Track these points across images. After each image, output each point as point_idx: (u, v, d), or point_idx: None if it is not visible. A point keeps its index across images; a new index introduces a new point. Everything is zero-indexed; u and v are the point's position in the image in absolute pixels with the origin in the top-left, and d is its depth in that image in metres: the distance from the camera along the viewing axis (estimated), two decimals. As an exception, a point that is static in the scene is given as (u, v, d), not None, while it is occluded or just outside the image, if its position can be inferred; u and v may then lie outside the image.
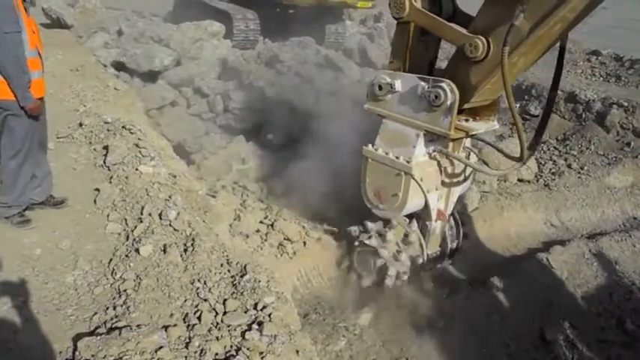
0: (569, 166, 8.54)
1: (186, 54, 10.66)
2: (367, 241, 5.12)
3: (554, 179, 8.11)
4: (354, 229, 5.36)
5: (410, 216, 5.04)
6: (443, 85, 3.99)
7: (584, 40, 13.72)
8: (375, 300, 5.38)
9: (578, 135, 9.38)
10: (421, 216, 5.07)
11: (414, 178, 4.48)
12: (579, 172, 8.31)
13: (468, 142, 4.85)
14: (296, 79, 9.85)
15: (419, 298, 5.47)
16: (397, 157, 4.53)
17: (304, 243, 5.68)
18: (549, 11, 3.46)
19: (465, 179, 5.07)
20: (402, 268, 5.05)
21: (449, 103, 4.00)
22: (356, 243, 5.33)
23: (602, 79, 11.94)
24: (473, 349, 5.21)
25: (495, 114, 4.64)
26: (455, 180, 4.96)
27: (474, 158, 4.99)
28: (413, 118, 4.36)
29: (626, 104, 9.37)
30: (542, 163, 8.76)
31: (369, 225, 5.18)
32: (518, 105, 10.68)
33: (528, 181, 8.20)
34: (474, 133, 4.49)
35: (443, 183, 4.86)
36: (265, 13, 13.32)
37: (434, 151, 4.56)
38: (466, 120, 4.48)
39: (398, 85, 4.39)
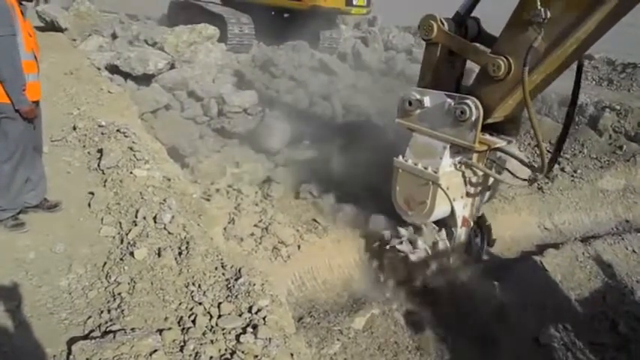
0: (562, 169, 8.59)
1: (180, 57, 10.67)
2: (399, 247, 5.39)
3: (547, 183, 8.15)
4: (387, 234, 5.63)
5: (437, 223, 5.37)
6: (468, 102, 4.37)
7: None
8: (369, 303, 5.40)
9: (571, 138, 9.43)
10: (447, 223, 5.39)
11: (440, 187, 4.86)
12: (572, 176, 8.36)
13: (491, 154, 5.17)
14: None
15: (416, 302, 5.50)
16: (425, 168, 4.90)
17: (298, 246, 5.68)
18: (565, 33, 3.79)
19: (488, 189, 5.42)
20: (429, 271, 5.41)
21: (474, 118, 4.38)
22: (387, 247, 5.58)
23: (594, 82, 12.04)
24: (467, 353, 5.22)
25: (517, 129, 5.04)
26: (478, 189, 5.30)
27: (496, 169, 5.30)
28: (440, 131, 4.76)
29: (618, 108, 9.45)
30: (536, 166, 8.78)
31: (402, 231, 5.45)
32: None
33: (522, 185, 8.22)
34: (496, 146, 4.82)
35: (467, 192, 5.19)
36: (260, 17, 13.34)
37: (459, 162, 4.89)
38: (490, 134, 4.85)
39: (427, 101, 4.82)
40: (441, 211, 5.11)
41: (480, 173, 5.13)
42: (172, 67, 10.39)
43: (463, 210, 5.32)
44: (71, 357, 2.79)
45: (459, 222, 5.34)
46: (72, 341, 2.94)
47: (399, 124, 5.20)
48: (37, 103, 4.04)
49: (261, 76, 11.12)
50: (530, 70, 3.91)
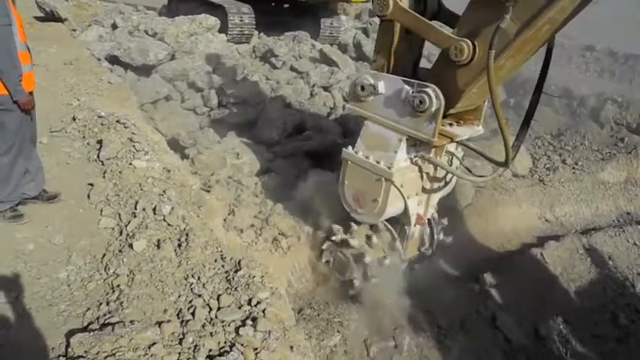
0: (563, 161, 8.57)
1: (180, 48, 10.61)
2: (351, 242, 5.04)
3: (548, 174, 8.14)
4: (337, 228, 5.26)
5: (388, 220, 4.98)
6: (428, 90, 3.87)
7: (578, 36, 13.74)
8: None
9: (572, 130, 9.41)
10: (400, 220, 5.00)
11: (394, 185, 4.39)
12: (573, 168, 8.34)
13: (451, 145, 4.72)
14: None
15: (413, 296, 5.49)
16: (378, 162, 4.42)
17: (299, 238, 5.67)
18: (537, 13, 3.36)
19: (446, 184, 4.99)
20: (384, 273, 5.07)
21: (433, 109, 3.89)
22: (335, 240, 5.26)
23: (596, 74, 11.99)
24: (467, 346, 5.23)
25: (480, 118, 4.56)
26: (436, 185, 4.89)
27: (456, 162, 4.91)
28: (395, 122, 4.24)
29: (620, 100, 9.41)
30: (537, 158, 8.78)
31: (354, 227, 5.10)
32: (512, 100, 10.71)
33: (523, 177, 8.22)
34: (458, 139, 4.40)
35: (424, 188, 4.78)
36: (260, 7, 13.26)
37: (415, 156, 4.46)
38: (450, 124, 4.41)
39: (381, 87, 4.27)
40: (393, 209, 4.67)
41: (439, 167, 4.67)
42: (173, 57, 10.33)
43: (417, 207, 4.87)
44: (70, 349, 2.79)
45: (413, 220, 4.89)
46: (70, 333, 2.94)
47: (350, 109, 4.67)
48: (31, 94, 4.01)
49: (262, 67, 11.08)
50: (497, 54, 3.44)
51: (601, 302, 5.84)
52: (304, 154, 7.65)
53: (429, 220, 5.22)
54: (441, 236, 5.47)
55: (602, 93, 9.82)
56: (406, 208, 4.70)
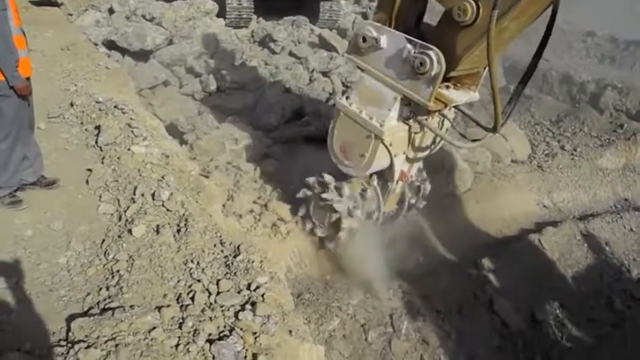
0: (562, 147, 8.58)
1: (178, 33, 10.54)
2: (324, 195, 5.07)
3: (547, 161, 8.15)
4: (312, 180, 5.28)
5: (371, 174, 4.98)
6: (430, 53, 3.75)
7: (579, 21, 13.66)
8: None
9: (571, 116, 9.40)
10: (383, 175, 5.00)
11: (383, 143, 4.37)
12: (572, 154, 8.36)
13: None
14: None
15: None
16: (370, 118, 4.37)
17: (297, 222, 5.68)
18: None
19: (434, 144, 4.95)
20: (355, 223, 5.07)
21: (433, 73, 3.79)
22: (312, 194, 5.29)
23: (596, 60, 11.94)
24: (464, 330, 5.28)
25: (478, 84, 4.44)
26: (424, 145, 4.86)
27: (447, 124, 4.83)
28: (393, 79, 4.14)
29: (620, 86, 9.39)
30: (536, 144, 8.79)
31: (327, 177, 5.10)
32: (512, 87, 10.67)
33: (522, 163, 8.23)
34: (453, 104, 4.32)
35: (411, 147, 4.74)
36: (259, -9, 13.13)
37: (407, 116, 4.40)
38: (447, 87, 4.27)
39: (383, 41, 4.14)
40: (379, 165, 4.67)
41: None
42: (170, 42, 10.26)
43: (403, 165, 4.88)
44: (70, 334, 2.81)
45: (397, 176, 4.90)
46: (71, 318, 2.96)
47: (348, 59, 4.55)
48: (28, 79, 3.99)
49: (260, 52, 11.02)
50: (501, 15, 3.30)
51: (597, 287, 5.89)
52: (303, 140, 7.64)
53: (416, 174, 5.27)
54: (427, 190, 5.48)
55: (603, 79, 9.79)
56: (392, 165, 4.72)
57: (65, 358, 2.63)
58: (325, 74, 10.02)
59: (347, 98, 4.62)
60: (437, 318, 5.31)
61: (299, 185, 5.46)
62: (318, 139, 7.56)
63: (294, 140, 7.64)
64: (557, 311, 5.53)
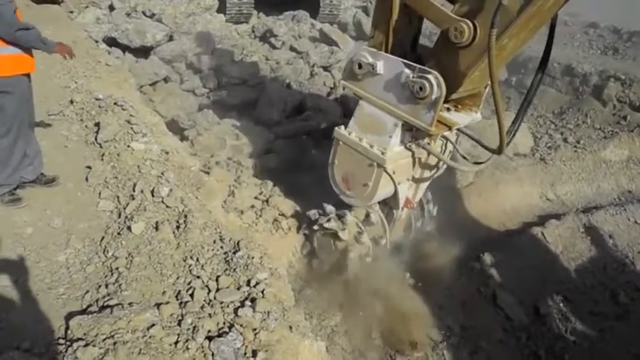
0: (565, 139, 8.52)
1: (179, 29, 10.52)
2: (326, 224, 4.93)
3: (550, 153, 8.11)
4: (313, 213, 5.16)
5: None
6: (430, 77, 3.62)
7: (582, 13, 13.56)
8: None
9: (574, 109, 9.34)
10: (387, 203, 4.90)
11: (386, 171, 4.24)
12: (575, 146, 8.30)
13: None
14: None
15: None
16: (371, 146, 4.24)
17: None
18: None
19: (438, 168, 4.87)
20: (364, 249, 4.94)
21: (434, 97, 3.65)
22: (315, 227, 5.14)
23: (599, 51, 11.84)
24: (467, 324, 5.26)
25: (479, 105, 4.33)
26: (428, 170, 4.76)
27: (450, 146, 4.76)
28: (393, 105, 4.01)
29: (623, 77, 9.31)
30: (539, 137, 8.75)
31: (328, 208, 4.99)
32: (514, 79, 10.62)
33: (524, 155, 8.19)
34: (456, 127, 4.20)
35: (415, 173, 4.65)
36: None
37: (410, 142, 4.30)
38: (448, 109, 4.19)
39: (380, 67, 4.02)
40: (383, 194, 4.54)
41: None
42: (171, 38, 10.25)
43: (407, 191, 4.77)
44: (69, 332, 2.80)
45: (402, 204, 4.75)
46: (70, 316, 2.95)
47: (345, 86, 4.40)
48: (28, 76, 3.98)
49: (261, 47, 11.00)
50: (499, 34, 3.20)
51: (601, 280, 5.85)
52: (305, 135, 7.62)
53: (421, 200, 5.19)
54: (434, 212, 5.40)
55: (605, 71, 9.70)
56: (396, 193, 4.59)
57: (64, 356, 2.62)
58: (326, 69, 10.00)
59: (345, 127, 4.50)
60: (440, 312, 5.29)
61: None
62: (319, 134, 7.56)
63: (295, 135, 7.62)
64: (561, 305, 5.50)
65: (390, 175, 4.29)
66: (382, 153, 4.17)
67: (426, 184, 5.02)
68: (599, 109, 9.16)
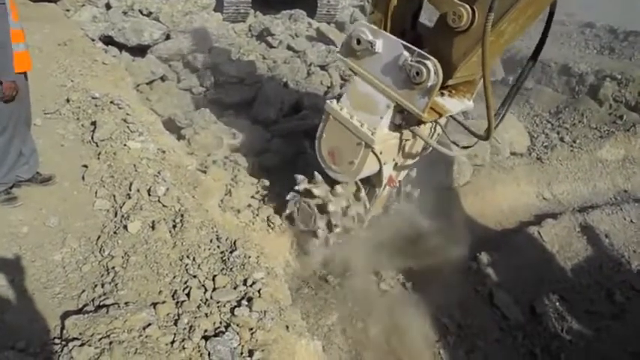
0: (561, 139, 8.54)
1: (175, 27, 10.50)
2: (315, 191, 4.91)
3: (546, 152, 8.13)
4: (301, 178, 5.14)
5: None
6: (428, 63, 3.58)
7: (578, 12, 13.58)
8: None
9: (571, 108, 9.36)
10: (370, 180, 4.91)
11: (373, 152, 4.25)
12: (572, 146, 8.32)
13: None
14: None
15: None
16: (361, 125, 4.23)
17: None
18: None
19: (425, 150, 4.87)
20: (348, 223, 4.99)
21: (429, 84, 3.63)
22: (299, 189, 5.13)
23: (595, 51, 11.85)
24: (464, 323, 5.27)
25: (473, 92, 4.29)
26: (414, 151, 4.77)
27: (439, 129, 4.72)
28: (387, 86, 3.97)
29: (619, 77, 9.33)
30: (535, 136, 8.76)
31: (318, 177, 4.97)
32: (511, 78, 10.62)
33: (521, 155, 8.20)
34: (448, 114, 4.18)
35: (401, 154, 4.66)
36: (256, -16, 13.08)
37: (399, 124, 4.27)
38: (442, 94, 4.12)
39: (379, 45, 3.95)
40: (367, 172, 4.57)
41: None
42: (168, 37, 10.23)
43: (392, 170, 4.79)
44: (65, 331, 2.79)
45: (385, 182, 4.79)
46: (65, 315, 2.95)
47: (341, 60, 4.36)
48: (25, 74, 3.96)
49: (258, 46, 10.97)
50: (497, 18, 3.15)
51: (597, 279, 5.87)
52: (302, 134, 7.60)
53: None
54: (409, 188, 5.42)
55: (602, 70, 9.72)
56: (380, 172, 4.62)
57: (59, 356, 2.62)
58: (323, 68, 9.97)
59: (338, 101, 4.48)
60: (436, 311, 5.29)
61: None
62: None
63: (292, 134, 7.60)
64: (557, 304, 5.51)
65: (376, 155, 4.31)
66: (372, 133, 4.16)
67: (411, 164, 5.02)
68: (595, 109, 9.17)
